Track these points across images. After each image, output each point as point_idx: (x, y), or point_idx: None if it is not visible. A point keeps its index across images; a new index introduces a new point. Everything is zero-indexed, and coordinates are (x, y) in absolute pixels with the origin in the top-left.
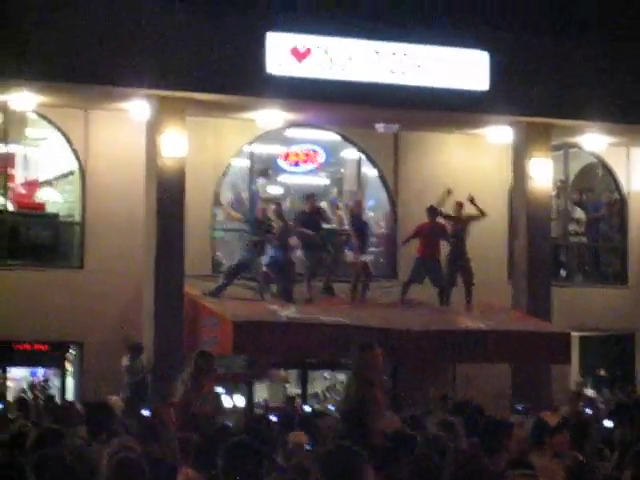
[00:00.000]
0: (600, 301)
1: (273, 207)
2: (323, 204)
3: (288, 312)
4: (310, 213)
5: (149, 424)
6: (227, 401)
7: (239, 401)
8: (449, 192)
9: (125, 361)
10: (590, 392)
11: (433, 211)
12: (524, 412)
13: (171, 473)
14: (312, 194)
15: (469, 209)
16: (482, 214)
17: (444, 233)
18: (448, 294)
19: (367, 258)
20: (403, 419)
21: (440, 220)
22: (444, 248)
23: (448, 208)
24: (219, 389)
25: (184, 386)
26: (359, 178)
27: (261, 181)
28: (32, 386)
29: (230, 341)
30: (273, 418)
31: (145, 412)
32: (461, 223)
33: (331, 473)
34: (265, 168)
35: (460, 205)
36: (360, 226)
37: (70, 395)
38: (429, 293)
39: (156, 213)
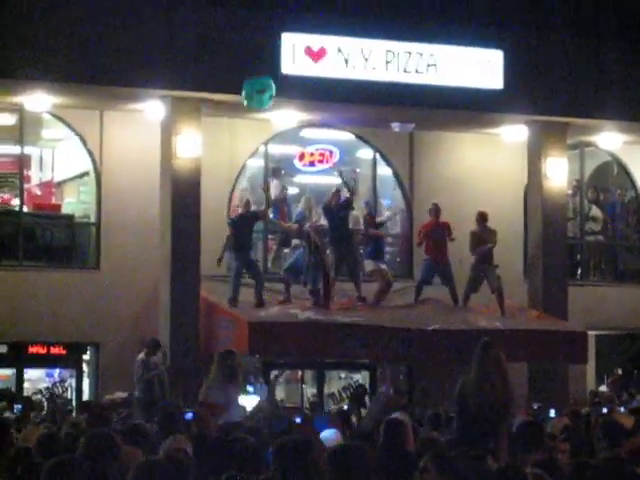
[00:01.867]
0: (616, 300)
1: (295, 227)
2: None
3: (303, 312)
4: (335, 207)
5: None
6: (252, 400)
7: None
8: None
9: (141, 356)
10: (604, 389)
11: (435, 210)
12: (539, 411)
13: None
14: (338, 189)
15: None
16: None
17: (448, 231)
18: (467, 296)
19: (383, 266)
20: (423, 418)
21: (443, 219)
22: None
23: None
24: (249, 388)
25: (210, 387)
26: (374, 178)
27: (273, 182)
28: (49, 388)
29: (245, 341)
30: (297, 419)
31: (188, 414)
32: (484, 239)
33: (340, 469)
34: (277, 167)
35: (482, 216)
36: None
37: (86, 396)
38: (446, 293)
39: (171, 214)
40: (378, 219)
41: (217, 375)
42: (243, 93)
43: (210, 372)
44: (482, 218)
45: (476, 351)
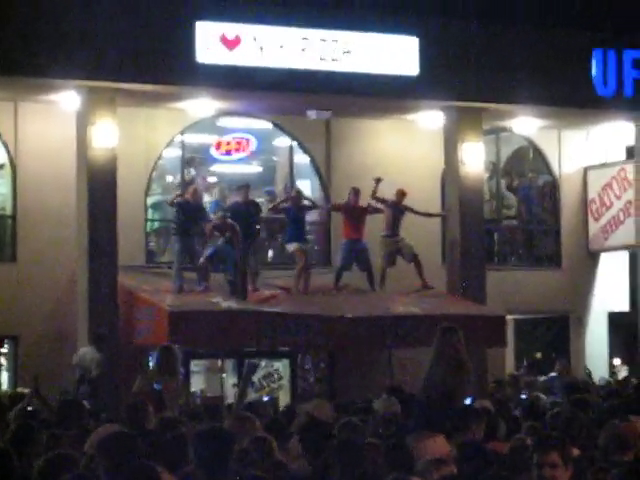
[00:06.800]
0: (534, 283)
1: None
2: (260, 200)
3: (224, 302)
4: (243, 204)
5: None
6: None
7: None
8: (378, 180)
9: (91, 353)
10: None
11: (355, 193)
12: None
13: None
14: (246, 184)
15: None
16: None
17: (364, 215)
18: (383, 275)
19: (305, 246)
20: (344, 407)
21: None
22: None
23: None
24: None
25: (144, 381)
26: (291, 166)
27: (190, 172)
28: None
29: (165, 331)
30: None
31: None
32: (399, 210)
33: (203, 452)
34: (191, 157)
35: (402, 193)
36: (299, 216)
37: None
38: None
39: (88, 204)
40: (305, 201)
41: (156, 370)
42: None
43: (148, 367)
44: (401, 195)
45: (436, 337)
